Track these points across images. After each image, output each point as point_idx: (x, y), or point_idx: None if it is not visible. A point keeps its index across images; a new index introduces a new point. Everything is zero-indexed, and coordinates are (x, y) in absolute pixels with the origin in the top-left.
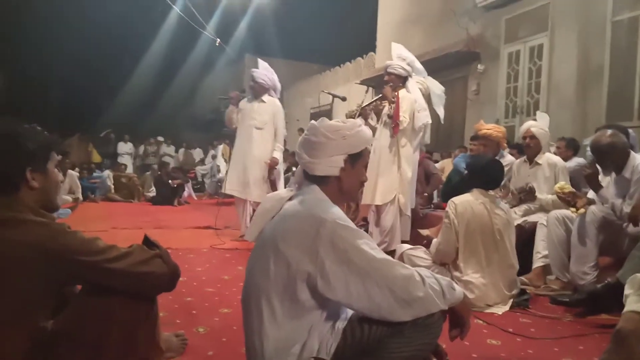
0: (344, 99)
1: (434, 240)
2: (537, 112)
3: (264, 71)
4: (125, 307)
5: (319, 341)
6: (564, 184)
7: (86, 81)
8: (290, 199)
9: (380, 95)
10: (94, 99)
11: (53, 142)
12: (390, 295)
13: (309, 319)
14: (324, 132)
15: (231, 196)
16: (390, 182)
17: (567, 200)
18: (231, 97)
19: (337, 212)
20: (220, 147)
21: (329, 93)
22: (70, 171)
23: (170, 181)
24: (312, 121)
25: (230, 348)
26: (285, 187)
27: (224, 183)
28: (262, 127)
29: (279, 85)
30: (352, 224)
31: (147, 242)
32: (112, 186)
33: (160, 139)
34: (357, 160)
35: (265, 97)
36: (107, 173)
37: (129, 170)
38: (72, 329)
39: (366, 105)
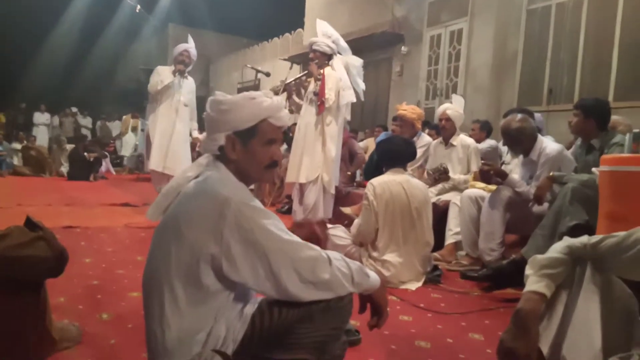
0: (267, 74)
1: (355, 221)
2: (453, 95)
3: (194, 48)
4: (5, 295)
5: (226, 327)
6: (475, 183)
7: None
8: (197, 177)
9: (306, 72)
10: (6, 68)
11: None
12: (297, 277)
13: (215, 305)
14: (207, 106)
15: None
16: (315, 160)
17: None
18: (179, 69)
19: (242, 192)
20: (130, 120)
21: (253, 68)
22: None
23: (85, 154)
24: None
25: (136, 335)
26: None
27: (148, 159)
28: (188, 104)
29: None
30: (258, 204)
31: (30, 223)
32: (17, 159)
33: (74, 109)
34: (250, 138)
35: (187, 75)
36: (7, 145)
37: (44, 142)
38: None
39: (290, 82)
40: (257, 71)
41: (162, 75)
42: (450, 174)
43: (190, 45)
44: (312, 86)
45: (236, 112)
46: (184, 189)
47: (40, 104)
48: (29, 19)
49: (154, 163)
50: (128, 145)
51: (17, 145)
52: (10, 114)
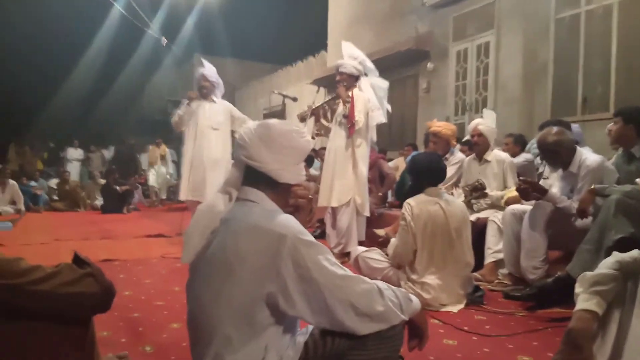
0: (294, 99)
1: (392, 240)
2: (484, 110)
3: (212, 69)
4: (54, 332)
5: (279, 356)
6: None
7: (23, 83)
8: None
9: (334, 95)
10: (33, 103)
11: None
12: (352, 311)
13: (265, 336)
14: (296, 136)
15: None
16: (347, 183)
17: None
18: (191, 97)
19: (294, 224)
20: (158, 150)
21: (280, 93)
22: (11, 181)
23: (117, 187)
24: (274, 121)
25: None
26: None
27: (181, 189)
28: (218, 127)
29: (222, 84)
30: (311, 237)
31: (78, 260)
32: (53, 196)
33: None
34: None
35: (215, 98)
36: (44, 182)
37: (77, 177)
38: None
39: (318, 106)
40: (284, 96)
41: (187, 112)
42: (487, 191)
43: (204, 69)
44: (341, 108)
45: (309, 145)
46: (226, 223)
47: (73, 140)
48: (54, 53)
49: (182, 193)
50: (161, 175)
51: (53, 182)
52: (45, 151)
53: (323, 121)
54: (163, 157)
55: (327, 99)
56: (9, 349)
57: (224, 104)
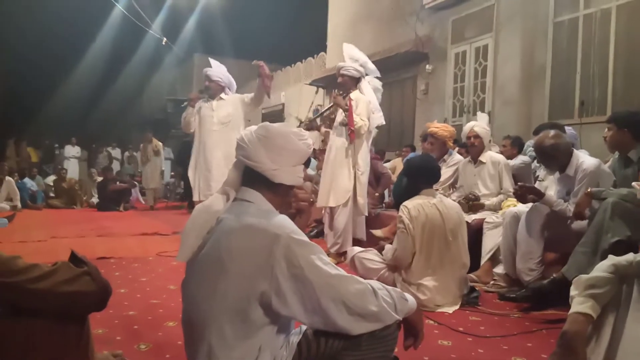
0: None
1: (387, 246)
2: (478, 113)
3: (218, 69)
4: (52, 329)
5: (272, 357)
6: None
7: (25, 81)
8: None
9: (331, 105)
10: (34, 101)
11: None
12: (345, 310)
13: (260, 336)
14: (294, 139)
15: (181, 200)
16: (344, 184)
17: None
18: (191, 98)
19: (288, 224)
20: (150, 146)
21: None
22: (7, 178)
23: (111, 187)
24: (273, 124)
25: None
26: None
27: (193, 190)
28: (226, 121)
29: (234, 83)
30: (304, 237)
31: (74, 258)
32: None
33: (109, 148)
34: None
35: (223, 95)
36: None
37: (75, 175)
38: None
39: (315, 117)
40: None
41: (190, 114)
42: (483, 198)
43: (207, 69)
44: (339, 117)
45: (309, 147)
46: (221, 223)
47: (71, 137)
48: (55, 52)
49: (195, 194)
50: (154, 173)
51: (50, 180)
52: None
53: (323, 129)
54: (157, 153)
55: (324, 110)
56: (6, 346)
57: (232, 97)
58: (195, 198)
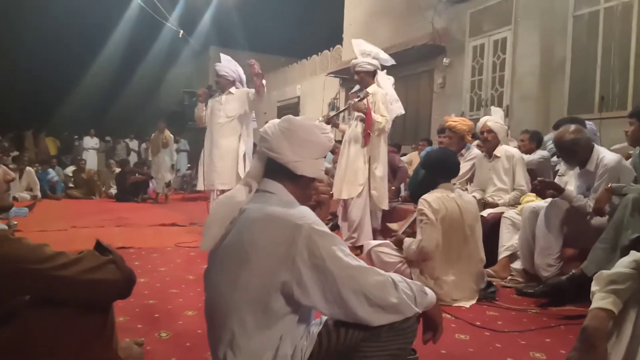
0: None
1: (407, 239)
2: (492, 107)
3: (227, 64)
4: (77, 317)
5: (293, 346)
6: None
7: (45, 75)
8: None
9: (347, 105)
10: (54, 94)
11: None
12: (366, 302)
13: (280, 326)
14: (317, 132)
15: (198, 191)
16: (357, 177)
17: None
18: (199, 94)
19: (310, 215)
20: (160, 136)
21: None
22: (28, 168)
23: (130, 179)
24: (296, 117)
25: (194, 354)
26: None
27: (199, 180)
28: (232, 115)
29: (244, 77)
30: (325, 228)
31: (100, 247)
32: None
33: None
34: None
35: (233, 89)
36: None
37: (94, 166)
38: (20, 343)
39: (334, 115)
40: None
41: (200, 109)
42: (497, 192)
43: (217, 64)
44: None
45: (331, 142)
46: (243, 213)
47: (90, 129)
48: (74, 46)
49: (199, 184)
50: (165, 165)
51: (69, 170)
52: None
53: (341, 126)
54: (165, 145)
55: (342, 109)
56: (35, 335)
57: (240, 91)
58: (199, 188)
